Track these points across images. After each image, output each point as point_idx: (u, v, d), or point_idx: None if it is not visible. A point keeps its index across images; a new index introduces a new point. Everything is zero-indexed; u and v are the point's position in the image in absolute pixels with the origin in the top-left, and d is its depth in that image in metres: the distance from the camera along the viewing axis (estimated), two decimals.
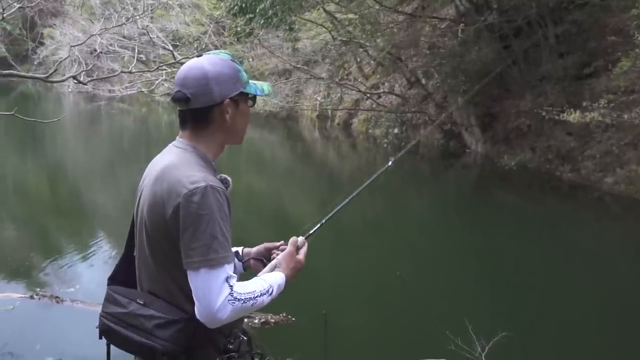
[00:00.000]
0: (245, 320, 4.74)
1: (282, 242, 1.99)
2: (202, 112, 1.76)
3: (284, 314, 5.03)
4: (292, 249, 1.88)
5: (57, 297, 5.36)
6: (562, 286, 6.15)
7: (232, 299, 1.60)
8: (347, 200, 2.07)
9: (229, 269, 1.63)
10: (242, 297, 1.62)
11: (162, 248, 1.70)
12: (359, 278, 6.32)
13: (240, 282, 1.67)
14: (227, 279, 1.61)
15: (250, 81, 1.82)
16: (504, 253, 7.24)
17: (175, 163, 1.73)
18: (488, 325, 4.52)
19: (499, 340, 3.80)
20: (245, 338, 1.79)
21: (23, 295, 5.36)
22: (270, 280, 1.76)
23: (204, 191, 1.61)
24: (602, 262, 7.00)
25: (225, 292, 1.59)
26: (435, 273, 6.60)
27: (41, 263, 6.70)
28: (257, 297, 1.66)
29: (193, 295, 1.62)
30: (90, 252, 7.11)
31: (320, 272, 6.05)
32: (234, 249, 2.00)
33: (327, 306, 5.09)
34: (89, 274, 6.34)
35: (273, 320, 4.98)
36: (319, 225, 2.03)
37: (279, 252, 1.96)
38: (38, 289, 5.67)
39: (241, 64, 1.84)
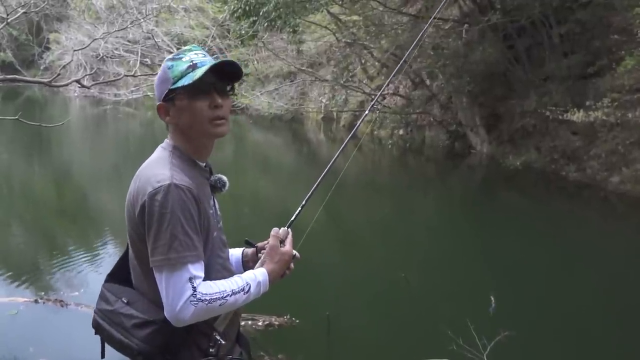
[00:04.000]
0: (249, 322, 4.77)
1: (266, 241, 1.95)
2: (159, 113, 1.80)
3: (288, 316, 5.02)
4: (274, 242, 1.86)
5: (61, 301, 5.36)
6: (565, 286, 6.12)
7: (195, 300, 1.58)
8: (319, 179, 2.09)
9: (193, 269, 1.61)
10: (207, 298, 1.60)
11: (138, 247, 1.71)
12: (363, 279, 6.31)
13: (209, 282, 1.66)
14: (190, 279, 1.59)
15: (195, 71, 1.68)
16: (508, 253, 7.22)
17: (150, 162, 1.76)
18: (490, 325, 4.51)
19: (500, 340, 3.80)
20: (223, 342, 1.76)
21: (28, 300, 5.38)
22: (247, 277, 1.75)
23: (167, 189, 1.60)
24: (608, 261, 6.96)
25: (187, 293, 1.58)
26: (439, 273, 6.59)
27: (46, 267, 6.72)
28: (226, 296, 1.65)
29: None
30: (96, 256, 7.13)
31: (323, 273, 6.06)
32: (236, 250, 2.02)
33: (330, 308, 5.11)
34: (94, 277, 6.32)
35: (277, 323, 4.97)
36: (298, 211, 2.03)
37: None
38: (43, 293, 5.68)
39: (205, 57, 1.74)
